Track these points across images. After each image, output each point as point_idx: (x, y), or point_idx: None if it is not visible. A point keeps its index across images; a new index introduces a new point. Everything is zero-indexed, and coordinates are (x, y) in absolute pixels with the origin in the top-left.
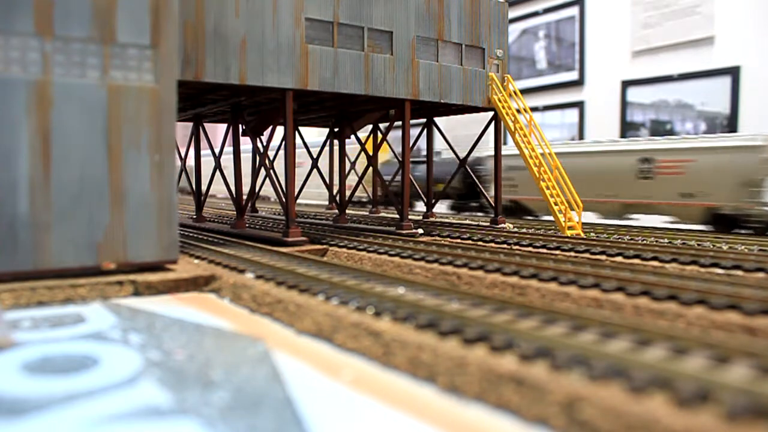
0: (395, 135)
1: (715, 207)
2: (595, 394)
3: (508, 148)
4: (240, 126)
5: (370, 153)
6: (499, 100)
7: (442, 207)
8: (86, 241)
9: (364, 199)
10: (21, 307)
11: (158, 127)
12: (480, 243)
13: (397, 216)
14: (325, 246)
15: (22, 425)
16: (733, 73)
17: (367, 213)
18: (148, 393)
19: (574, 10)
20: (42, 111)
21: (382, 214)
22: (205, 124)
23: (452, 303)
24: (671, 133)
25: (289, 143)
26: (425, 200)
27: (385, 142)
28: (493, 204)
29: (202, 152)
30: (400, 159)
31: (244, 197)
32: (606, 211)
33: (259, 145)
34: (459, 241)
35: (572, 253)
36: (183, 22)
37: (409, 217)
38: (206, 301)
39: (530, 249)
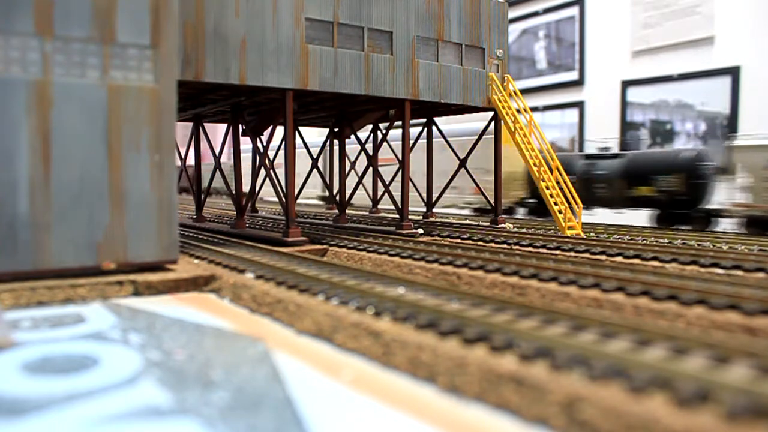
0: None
1: None
2: (595, 394)
3: None
4: (240, 126)
5: (371, 153)
6: (499, 100)
7: (639, 217)
8: (86, 241)
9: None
10: (21, 307)
11: (158, 127)
12: (480, 243)
13: (398, 216)
14: (325, 246)
15: (22, 425)
16: (733, 73)
17: (367, 213)
18: (148, 393)
19: (574, 10)
20: (42, 111)
21: (382, 214)
22: (205, 124)
23: (452, 303)
24: (671, 133)
25: (289, 143)
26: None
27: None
28: (494, 204)
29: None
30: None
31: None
32: None
33: (259, 145)
34: (459, 241)
35: (572, 253)
36: (183, 22)
37: (411, 217)
38: (206, 301)
39: (530, 249)
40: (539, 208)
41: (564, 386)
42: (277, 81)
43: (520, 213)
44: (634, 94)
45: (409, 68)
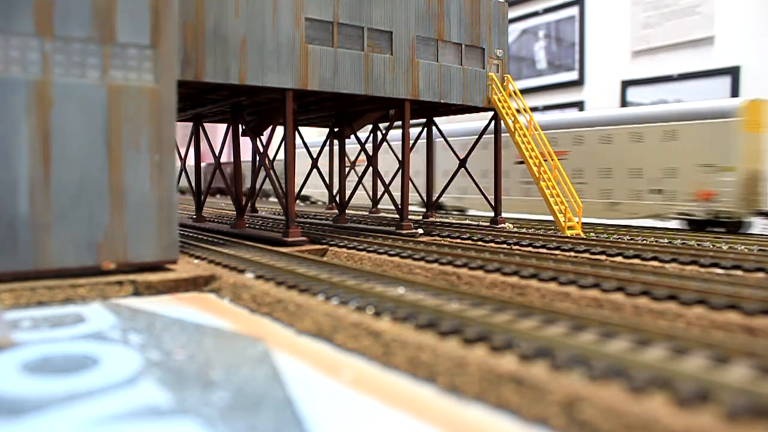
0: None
1: None
2: (595, 394)
3: None
4: (240, 126)
5: (371, 153)
6: (499, 100)
7: None
8: (86, 241)
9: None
10: (21, 307)
11: (158, 127)
12: (480, 243)
13: (397, 216)
14: (325, 246)
15: (22, 425)
16: (733, 73)
17: (367, 213)
18: (148, 393)
19: (574, 10)
20: (42, 111)
21: (382, 214)
22: (205, 124)
23: (452, 303)
24: None
25: (289, 143)
26: None
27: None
28: (494, 204)
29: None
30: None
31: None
32: None
33: (259, 145)
34: (459, 241)
35: (572, 253)
36: (183, 22)
37: (411, 217)
38: (206, 301)
39: (530, 249)
40: None
41: (564, 386)
42: (277, 81)
43: (759, 226)
44: (634, 94)
45: (408, 68)
